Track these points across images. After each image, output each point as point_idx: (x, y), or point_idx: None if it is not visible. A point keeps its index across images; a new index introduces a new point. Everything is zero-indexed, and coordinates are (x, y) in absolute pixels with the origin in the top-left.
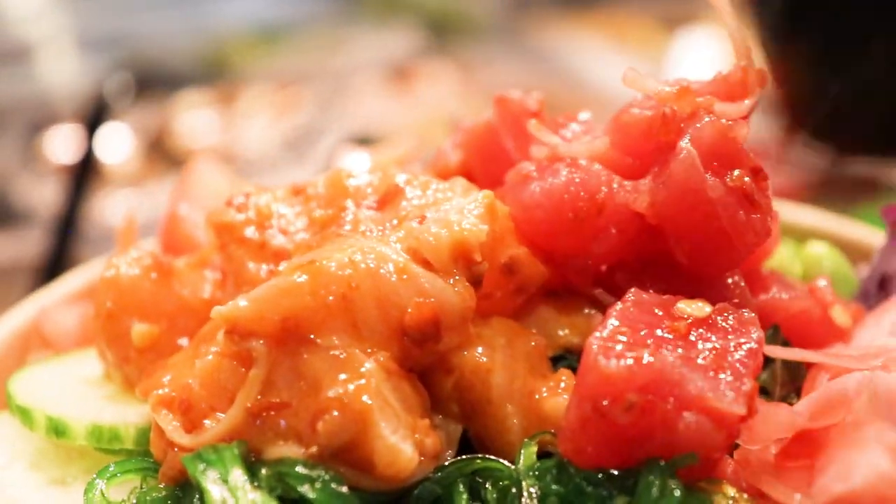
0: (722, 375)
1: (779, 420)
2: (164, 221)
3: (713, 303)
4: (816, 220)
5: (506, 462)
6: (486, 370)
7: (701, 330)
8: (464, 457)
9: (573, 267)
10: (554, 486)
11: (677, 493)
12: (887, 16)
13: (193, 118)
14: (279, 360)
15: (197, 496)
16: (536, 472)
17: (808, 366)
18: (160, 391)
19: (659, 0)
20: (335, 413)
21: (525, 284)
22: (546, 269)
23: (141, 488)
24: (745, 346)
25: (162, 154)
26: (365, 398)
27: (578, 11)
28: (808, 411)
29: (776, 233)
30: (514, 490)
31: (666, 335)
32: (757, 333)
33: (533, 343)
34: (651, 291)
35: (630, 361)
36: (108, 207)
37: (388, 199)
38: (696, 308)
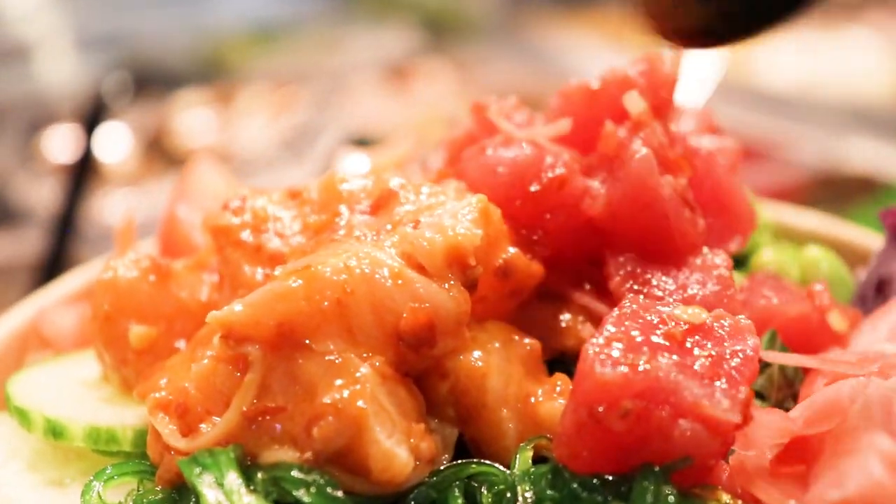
0: (717, 383)
1: (774, 426)
2: (162, 223)
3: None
4: (814, 224)
5: (501, 467)
6: (482, 374)
7: (697, 336)
8: (459, 461)
9: (524, 239)
10: (549, 492)
11: (672, 498)
12: None
13: (191, 117)
14: (274, 364)
15: (193, 499)
16: (531, 477)
17: (805, 370)
18: (157, 394)
19: None
20: (330, 418)
21: (519, 288)
22: (540, 269)
23: (138, 491)
24: (740, 354)
25: (160, 153)
26: (360, 403)
27: (575, 10)
28: (802, 417)
29: (754, 219)
30: (508, 495)
31: (662, 342)
32: (753, 340)
33: (528, 347)
34: (643, 292)
35: (626, 369)
36: (107, 207)
37: (381, 203)
38: (692, 314)
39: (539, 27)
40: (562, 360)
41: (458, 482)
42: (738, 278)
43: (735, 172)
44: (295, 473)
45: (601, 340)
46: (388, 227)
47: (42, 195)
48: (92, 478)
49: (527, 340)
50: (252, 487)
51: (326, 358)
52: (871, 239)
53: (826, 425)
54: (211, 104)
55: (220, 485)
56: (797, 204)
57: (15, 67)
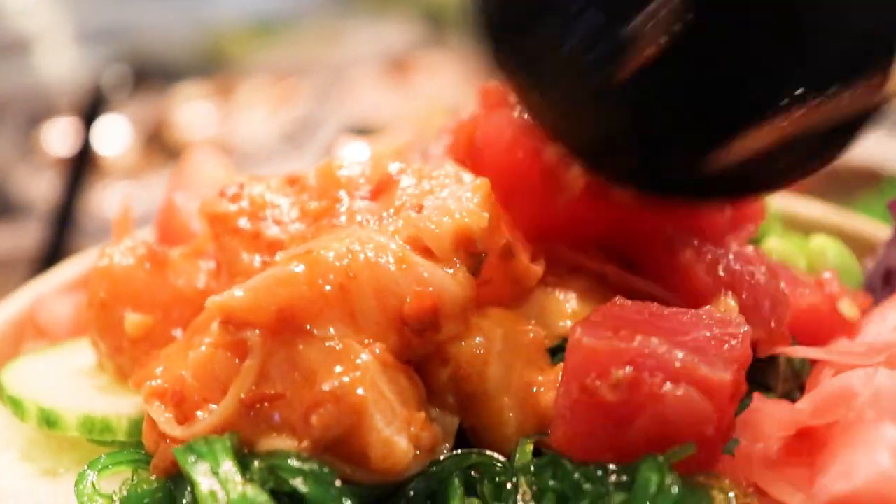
0: (708, 349)
1: (780, 417)
2: (160, 211)
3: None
4: (820, 213)
5: (501, 457)
6: (483, 362)
7: (687, 316)
8: (459, 451)
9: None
10: (551, 483)
11: (675, 488)
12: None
13: (191, 110)
14: (274, 350)
15: (188, 488)
16: (533, 468)
17: (813, 361)
18: (153, 382)
19: None
20: (330, 405)
21: (522, 275)
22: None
23: (132, 480)
24: (730, 330)
25: (160, 146)
26: (360, 390)
27: None
28: (809, 408)
29: (763, 208)
30: (509, 486)
31: (651, 319)
32: (745, 328)
33: (531, 335)
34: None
35: (614, 339)
36: (106, 199)
37: (382, 188)
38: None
39: None
40: (564, 348)
41: (458, 472)
42: None
43: None
44: (292, 462)
45: (590, 318)
46: (391, 211)
47: (41, 188)
48: (86, 467)
49: (529, 328)
50: (248, 476)
51: (327, 344)
52: (878, 229)
53: (833, 416)
54: (211, 97)
55: (216, 473)
56: (801, 195)
57: (14, 60)
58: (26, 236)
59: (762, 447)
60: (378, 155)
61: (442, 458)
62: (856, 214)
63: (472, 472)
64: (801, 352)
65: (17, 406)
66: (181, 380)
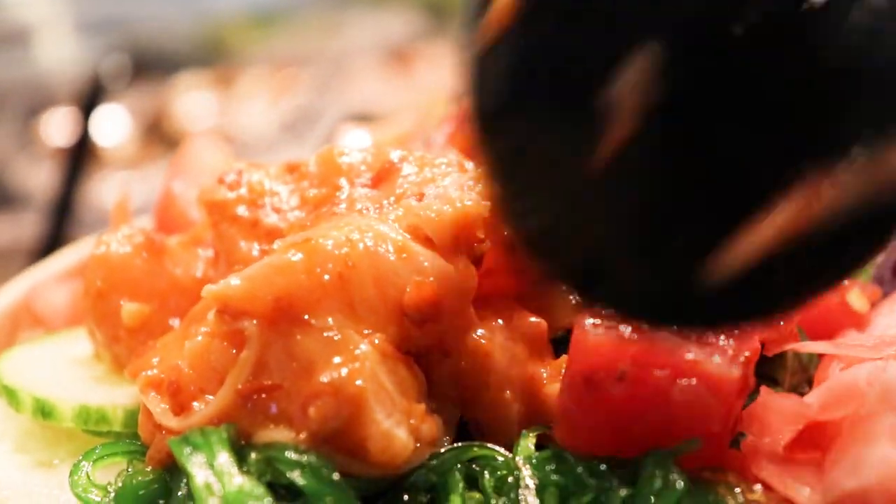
0: (715, 344)
1: (787, 411)
2: (158, 199)
3: None
4: None
5: (503, 450)
6: (484, 353)
7: None
8: (460, 444)
9: None
10: (553, 477)
11: (680, 484)
12: None
13: (191, 101)
14: (271, 340)
15: (184, 480)
16: (535, 462)
17: (821, 354)
18: (149, 372)
19: None
20: (328, 397)
21: (525, 267)
22: None
23: (127, 471)
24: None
25: (159, 137)
26: (359, 382)
27: None
28: (818, 403)
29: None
30: (511, 479)
31: None
32: None
33: (534, 326)
34: None
35: (620, 332)
36: (105, 190)
37: (383, 176)
38: None
39: None
40: (568, 340)
41: (459, 465)
42: None
43: None
44: (289, 454)
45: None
46: (391, 199)
47: (40, 178)
48: (81, 458)
49: (532, 319)
50: (245, 468)
51: (325, 334)
52: None
53: (842, 411)
54: (210, 87)
55: (211, 465)
56: None
57: (13, 50)
58: (25, 227)
59: (769, 442)
60: (379, 143)
61: (442, 450)
62: None
63: (473, 466)
64: (809, 347)
65: (11, 396)
66: (177, 370)
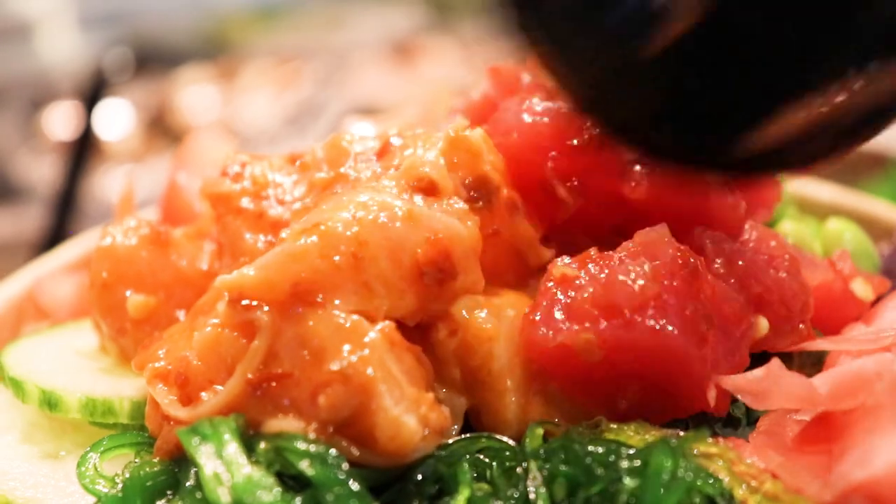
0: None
1: (793, 389)
2: (163, 191)
3: None
4: (836, 197)
5: (512, 442)
6: (489, 338)
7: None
8: (469, 435)
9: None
10: (562, 467)
11: (689, 475)
12: None
13: (194, 94)
14: (283, 329)
15: (192, 471)
16: (543, 453)
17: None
18: (156, 364)
19: None
20: (337, 385)
21: (527, 243)
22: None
23: (135, 462)
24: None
25: (162, 130)
26: (369, 370)
27: None
28: (826, 386)
29: (779, 191)
30: (519, 470)
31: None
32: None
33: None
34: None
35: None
36: (108, 184)
37: (383, 152)
38: None
39: None
40: None
41: (467, 456)
42: None
43: None
44: (299, 444)
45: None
46: (391, 172)
47: (43, 172)
48: (88, 449)
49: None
50: (254, 458)
51: (336, 320)
52: (894, 213)
53: (851, 402)
54: (214, 80)
55: (220, 455)
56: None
57: (16, 44)
58: (28, 221)
59: (778, 433)
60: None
61: (451, 441)
62: (871, 197)
63: (482, 457)
64: (818, 345)
65: (18, 388)
66: (185, 361)
